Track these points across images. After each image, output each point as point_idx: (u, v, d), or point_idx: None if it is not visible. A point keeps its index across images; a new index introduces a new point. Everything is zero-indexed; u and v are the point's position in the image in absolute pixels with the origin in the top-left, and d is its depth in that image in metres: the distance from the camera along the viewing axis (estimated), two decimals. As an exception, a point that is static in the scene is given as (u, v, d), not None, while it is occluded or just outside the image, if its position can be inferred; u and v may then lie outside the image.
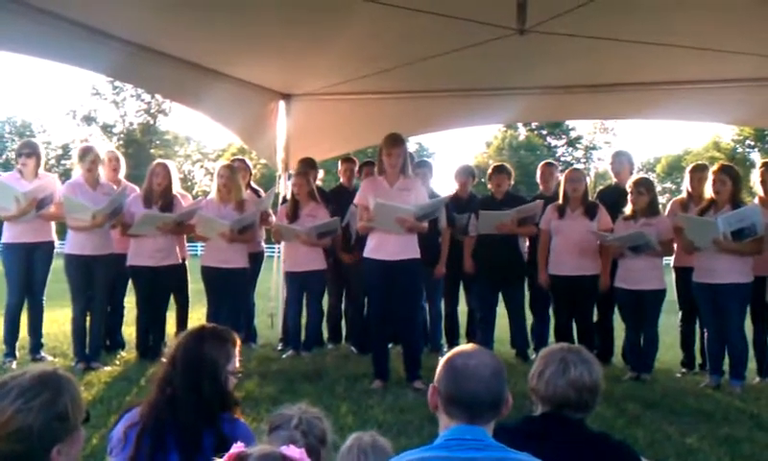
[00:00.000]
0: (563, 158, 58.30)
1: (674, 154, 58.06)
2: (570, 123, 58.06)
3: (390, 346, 7.10)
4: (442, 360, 2.31)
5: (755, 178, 7.02)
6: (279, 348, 8.12)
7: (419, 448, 2.17)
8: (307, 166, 8.05)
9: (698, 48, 6.27)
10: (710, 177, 6.64)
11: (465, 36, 6.01)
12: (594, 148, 60.98)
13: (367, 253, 6.53)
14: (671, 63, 6.95)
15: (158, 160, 7.69)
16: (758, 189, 6.93)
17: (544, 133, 59.83)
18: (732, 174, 6.63)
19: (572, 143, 61.76)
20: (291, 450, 1.75)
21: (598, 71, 7.57)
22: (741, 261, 6.38)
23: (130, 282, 7.61)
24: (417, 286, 6.85)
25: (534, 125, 55.44)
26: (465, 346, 2.37)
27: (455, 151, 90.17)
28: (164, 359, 2.90)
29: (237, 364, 2.91)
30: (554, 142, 61.22)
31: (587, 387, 2.59)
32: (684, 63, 6.95)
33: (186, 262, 7.94)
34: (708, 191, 6.63)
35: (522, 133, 57.88)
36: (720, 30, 6.11)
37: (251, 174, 8.66)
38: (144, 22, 6.31)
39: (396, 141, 6.52)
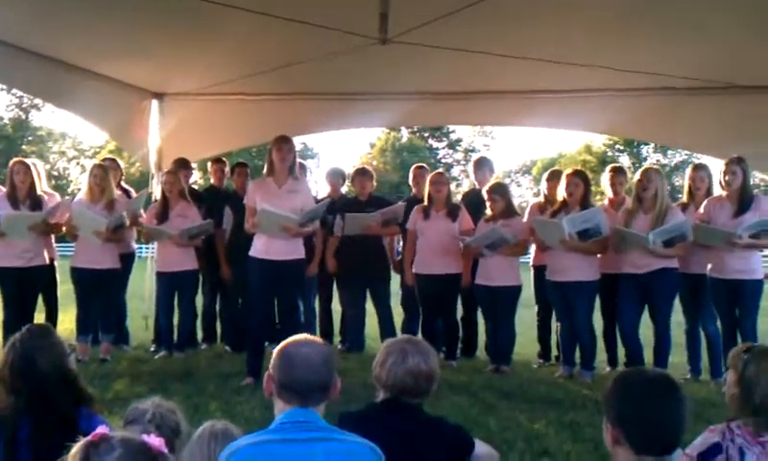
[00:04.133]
0: (443, 160, 59.55)
1: (549, 156, 60.21)
2: (451, 126, 59.39)
3: (266, 344, 7.19)
4: (275, 349, 2.50)
5: (604, 181, 7.55)
6: (152, 349, 8.09)
7: (256, 432, 2.36)
8: (178, 166, 8.07)
9: (555, 61, 6.66)
10: (563, 180, 7.07)
11: (332, 43, 6.19)
12: (474, 150, 62.29)
13: (253, 252, 6.60)
14: (536, 74, 7.28)
15: (16, 159, 7.47)
16: (608, 192, 7.48)
17: (426, 135, 60.98)
18: (584, 178, 7.13)
19: (453, 146, 63.19)
20: (152, 439, 1.85)
21: (464, 79, 7.84)
22: (587, 261, 6.85)
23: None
24: (300, 284, 7.01)
25: (416, 127, 56.37)
26: (297, 336, 2.57)
27: (340, 151, 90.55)
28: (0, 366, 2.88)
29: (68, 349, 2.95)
30: (435, 144, 62.46)
31: (423, 375, 2.83)
32: (546, 74, 7.26)
33: (56, 263, 7.80)
34: (561, 194, 7.06)
35: (405, 135, 58.78)
36: (580, 43, 6.48)
37: (122, 174, 8.60)
38: (8, 19, 6.19)
39: (284, 141, 6.63)
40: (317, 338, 2.56)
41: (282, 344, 2.50)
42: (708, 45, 6.36)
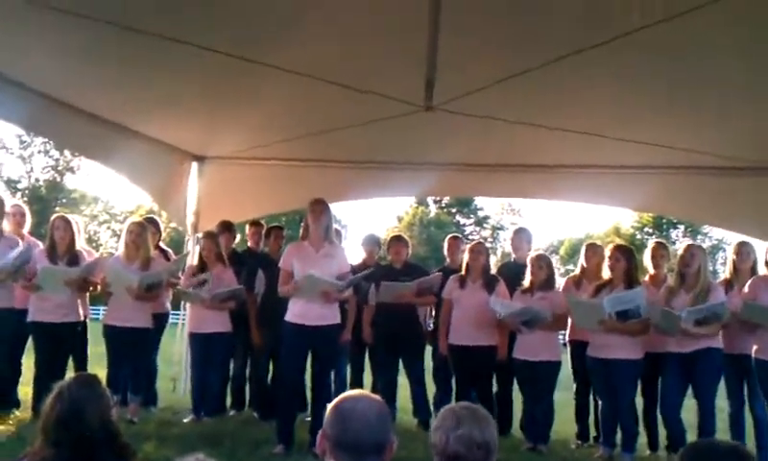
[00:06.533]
0: (471, 236, 59.45)
1: (576, 237, 59.96)
2: (479, 203, 59.76)
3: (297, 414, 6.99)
4: (330, 405, 2.40)
5: (646, 256, 7.42)
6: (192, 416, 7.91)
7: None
8: (221, 229, 8.07)
9: (596, 135, 6.66)
10: (607, 254, 6.92)
11: (375, 109, 6.19)
12: (501, 228, 62.46)
13: (289, 317, 6.53)
14: (573, 148, 7.31)
15: (58, 214, 7.52)
16: (649, 267, 7.33)
17: (454, 211, 61.18)
18: (627, 253, 6.92)
19: (480, 222, 63.28)
20: None
21: (503, 151, 7.88)
22: (632, 339, 6.60)
23: (29, 342, 7.39)
24: (335, 352, 6.93)
25: (444, 203, 56.66)
26: (352, 391, 2.47)
27: (368, 223, 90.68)
28: (43, 416, 2.83)
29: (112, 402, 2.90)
30: (462, 220, 62.58)
31: (476, 443, 2.71)
32: (584, 148, 7.31)
33: (87, 321, 7.76)
34: (606, 271, 6.87)
35: (433, 210, 58.99)
36: (616, 119, 6.50)
37: (160, 235, 8.60)
38: (58, 75, 6.28)
39: (317, 203, 6.64)
40: (373, 394, 2.45)
41: (337, 399, 2.39)
42: (743, 126, 6.34)
